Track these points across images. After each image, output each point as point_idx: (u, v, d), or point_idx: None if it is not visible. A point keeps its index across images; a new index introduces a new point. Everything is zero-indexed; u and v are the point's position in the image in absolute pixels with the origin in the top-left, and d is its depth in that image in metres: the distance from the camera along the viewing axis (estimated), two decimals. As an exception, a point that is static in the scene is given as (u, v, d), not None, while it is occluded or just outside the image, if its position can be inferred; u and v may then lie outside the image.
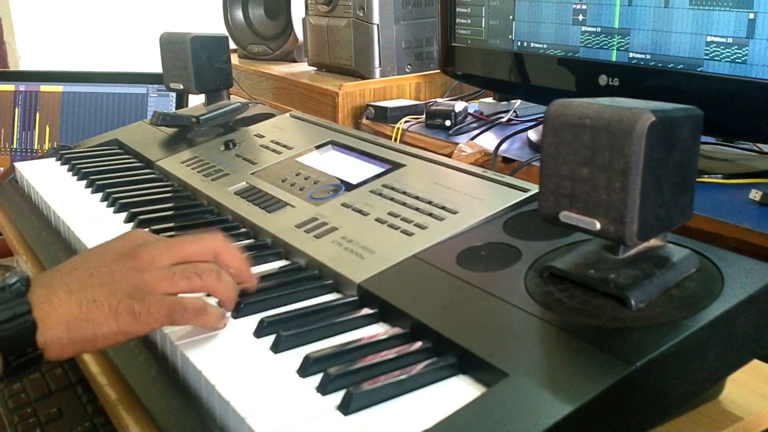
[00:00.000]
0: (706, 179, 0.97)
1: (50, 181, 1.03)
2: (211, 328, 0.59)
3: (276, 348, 0.56)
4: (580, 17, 1.07)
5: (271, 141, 1.02)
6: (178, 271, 0.57)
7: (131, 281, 0.55)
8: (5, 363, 0.51)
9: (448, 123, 1.35)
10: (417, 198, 0.75)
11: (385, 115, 1.47)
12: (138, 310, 0.54)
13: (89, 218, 0.87)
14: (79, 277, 0.55)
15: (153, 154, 1.08)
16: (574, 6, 1.08)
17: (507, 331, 0.52)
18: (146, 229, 0.76)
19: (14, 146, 1.62)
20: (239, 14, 2.06)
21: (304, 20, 1.83)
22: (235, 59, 2.06)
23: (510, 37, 1.20)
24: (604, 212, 0.51)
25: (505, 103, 1.43)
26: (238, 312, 0.62)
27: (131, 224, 0.84)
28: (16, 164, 1.12)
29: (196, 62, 1.20)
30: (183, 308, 0.56)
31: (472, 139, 1.28)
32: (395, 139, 1.38)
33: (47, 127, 1.60)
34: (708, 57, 0.91)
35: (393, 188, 0.79)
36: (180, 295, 0.57)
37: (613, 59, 1.03)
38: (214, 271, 0.58)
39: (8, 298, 0.52)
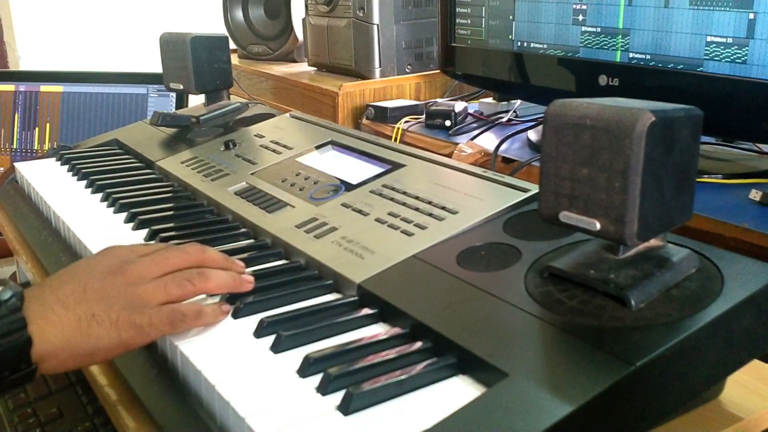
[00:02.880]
0: (706, 179, 0.97)
1: (50, 181, 1.03)
2: (214, 324, 0.60)
3: (276, 348, 0.56)
4: (580, 17, 1.07)
5: (271, 141, 1.02)
6: (170, 280, 0.59)
7: (125, 295, 0.57)
8: (0, 378, 0.51)
9: (448, 123, 1.35)
10: (417, 198, 0.75)
11: (385, 115, 1.47)
12: (140, 323, 0.55)
13: (89, 218, 0.87)
14: (72, 292, 0.56)
15: (153, 154, 1.08)
16: (574, 6, 1.08)
17: (507, 331, 0.52)
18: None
19: (14, 146, 1.62)
20: (239, 14, 2.06)
21: (304, 20, 1.83)
22: (235, 59, 2.06)
23: (510, 37, 1.20)
24: (604, 212, 0.51)
25: (505, 103, 1.43)
26: (238, 312, 0.62)
27: (131, 224, 0.84)
28: (16, 164, 1.12)
29: (196, 62, 1.20)
30: (183, 315, 0.58)
31: (472, 139, 1.28)
32: (395, 139, 1.38)
33: (47, 127, 1.60)
34: (708, 57, 0.91)
35: (393, 188, 0.79)
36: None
37: (613, 59, 1.03)
38: (201, 273, 0.61)
39: (3, 314, 0.52)
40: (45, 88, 1.60)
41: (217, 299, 0.63)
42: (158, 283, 0.58)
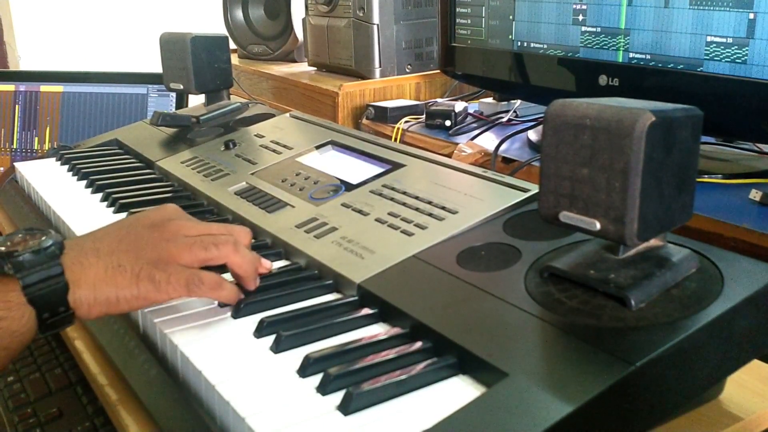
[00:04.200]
0: (706, 179, 0.97)
1: (50, 181, 1.03)
2: (226, 302, 0.62)
3: (276, 348, 0.56)
4: (580, 17, 1.07)
5: (271, 141, 1.02)
6: (198, 241, 0.60)
7: (155, 249, 0.59)
8: (40, 320, 0.55)
9: (448, 123, 1.35)
10: (417, 198, 0.75)
11: (385, 115, 1.47)
12: (158, 278, 0.57)
13: (89, 218, 0.87)
14: (109, 242, 0.59)
15: (153, 154, 1.08)
16: (574, 6, 1.08)
17: (507, 331, 0.52)
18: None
19: (14, 146, 1.62)
20: (239, 14, 2.06)
21: (304, 20, 1.83)
22: (235, 59, 2.06)
23: (510, 37, 1.20)
24: (604, 212, 0.51)
25: (505, 103, 1.43)
26: (238, 312, 0.62)
27: (131, 224, 0.84)
28: (16, 164, 1.12)
29: (196, 62, 1.20)
30: (200, 281, 0.59)
31: (472, 139, 1.28)
32: (395, 139, 1.38)
33: (47, 127, 1.60)
34: (708, 57, 0.91)
35: (393, 188, 0.79)
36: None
37: (613, 59, 1.03)
38: (231, 242, 0.61)
39: (43, 260, 0.55)
40: (45, 88, 1.60)
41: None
42: (186, 242, 0.60)
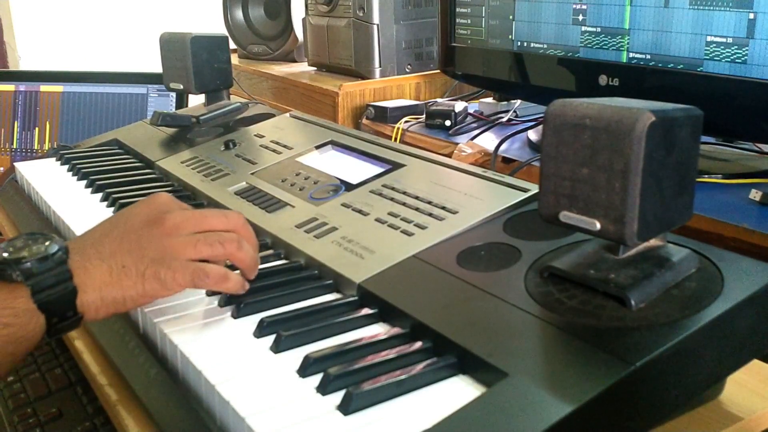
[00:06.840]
0: (706, 179, 0.97)
1: (50, 181, 1.03)
2: (233, 292, 0.62)
3: (276, 348, 0.56)
4: (580, 17, 1.07)
5: (271, 141, 1.02)
6: (202, 238, 0.61)
7: (157, 247, 0.59)
8: (49, 325, 0.55)
9: (448, 123, 1.35)
10: (417, 198, 0.75)
11: (385, 115, 1.47)
12: (164, 275, 0.58)
13: (89, 218, 0.87)
14: (110, 243, 0.59)
15: (153, 154, 1.08)
16: (574, 6, 1.08)
17: (507, 331, 0.52)
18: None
19: (14, 146, 1.62)
20: (239, 14, 2.06)
21: (304, 20, 1.83)
22: (235, 59, 2.06)
23: (510, 37, 1.20)
24: (604, 212, 0.51)
25: (505, 103, 1.43)
26: (238, 312, 0.62)
27: (131, 224, 0.84)
28: (16, 164, 1.12)
29: (196, 62, 1.20)
30: (205, 274, 0.59)
31: (472, 139, 1.28)
32: (395, 139, 1.38)
33: (47, 127, 1.60)
34: (708, 57, 0.91)
35: (393, 188, 0.79)
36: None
37: (613, 59, 1.03)
38: (235, 240, 0.62)
39: (51, 267, 0.56)
40: (45, 88, 1.60)
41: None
42: (191, 239, 0.60)
